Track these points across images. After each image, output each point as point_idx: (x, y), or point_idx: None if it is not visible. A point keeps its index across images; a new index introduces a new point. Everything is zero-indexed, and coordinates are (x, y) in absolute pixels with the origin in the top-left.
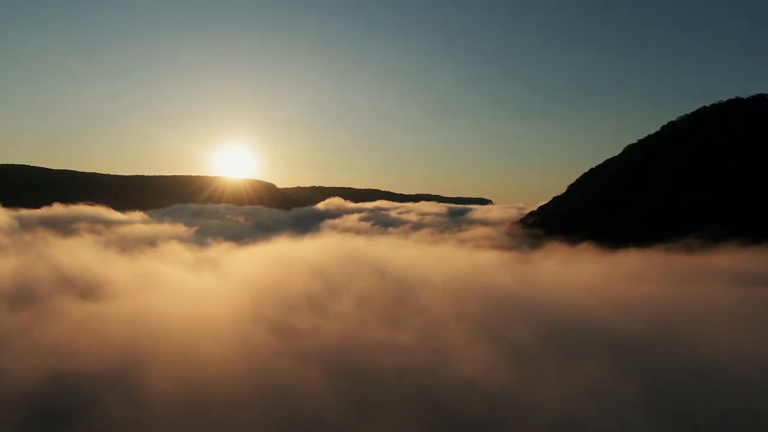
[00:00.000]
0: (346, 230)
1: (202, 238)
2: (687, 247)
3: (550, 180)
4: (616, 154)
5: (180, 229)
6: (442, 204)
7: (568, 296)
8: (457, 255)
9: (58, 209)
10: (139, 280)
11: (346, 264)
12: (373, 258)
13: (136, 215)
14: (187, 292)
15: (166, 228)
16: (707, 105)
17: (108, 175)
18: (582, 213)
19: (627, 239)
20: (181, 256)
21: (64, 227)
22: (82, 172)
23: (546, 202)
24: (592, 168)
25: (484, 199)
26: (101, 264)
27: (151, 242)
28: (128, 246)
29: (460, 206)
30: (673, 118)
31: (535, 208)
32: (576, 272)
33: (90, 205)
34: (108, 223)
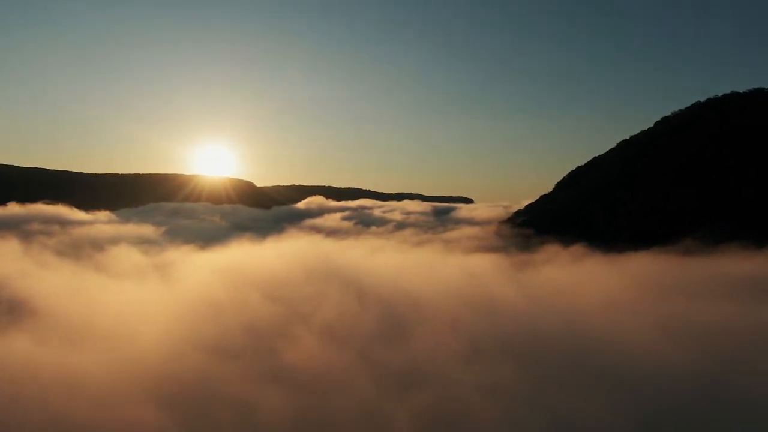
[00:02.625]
0: (327, 230)
1: (168, 239)
2: (686, 249)
3: (530, 178)
4: (602, 153)
5: (147, 229)
6: (426, 203)
7: (604, 324)
8: (448, 261)
9: (13, 208)
10: (51, 299)
11: (314, 276)
12: (348, 268)
13: (102, 215)
14: (91, 321)
15: (130, 228)
16: (702, 100)
17: (82, 173)
18: (573, 212)
19: (622, 240)
20: (127, 262)
21: (14, 228)
22: (54, 170)
23: (530, 200)
24: (579, 166)
25: (464, 197)
26: (21, 274)
27: (105, 245)
28: (75, 250)
29: (445, 205)
30: (657, 116)
31: (521, 206)
32: (590, 283)
33: (49, 203)
34: (65, 224)
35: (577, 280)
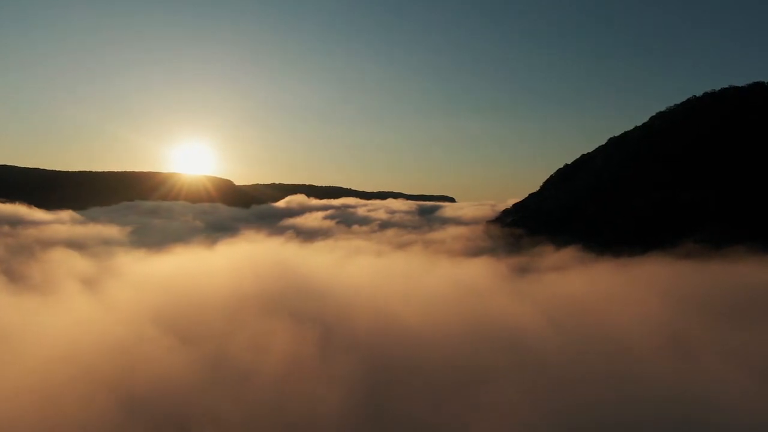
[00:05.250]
0: (307, 230)
1: (131, 240)
2: (688, 252)
3: (512, 176)
4: (590, 151)
5: (112, 230)
6: (411, 201)
7: (666, 361)
8: (438, 272)
9: None
10: None
11: (264, 297)
12: (313, 283)
13: (64, 214)
14: None
15: (91, 229)
16: (698, 95)
17: (55, 171)
18: (566, 212)
19: (618, 241)
20: (58, 270)
21: None
22: (24, 168)
23: (516, 199)
24: (567, 164)
25: (446, 196)
26: None
27: (48, 248)
28: (13, 254)
29: (430, 204)
30: (641, 114)
31: (507, 205)
32: (610, 297)
33: (5, 202)
34: (18, 224)
35: (591, 291)
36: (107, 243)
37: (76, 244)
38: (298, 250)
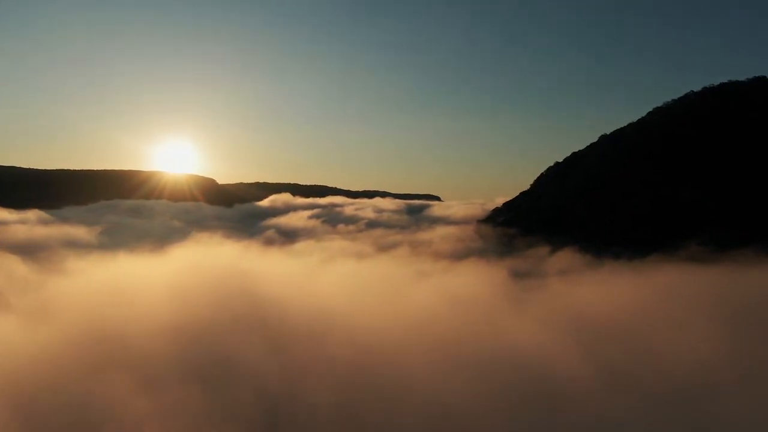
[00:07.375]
0: (290, 229)
1: (100, 241)
2: (691, 255)
3: (499, 175)
4: (583, 148)
5: (79, 230)
6: (399, 200)
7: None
8: (427, 278)
9: None
10: None
11: (197, 338)
12: (265, 313)
13: (31, 214)
14: None
15: (56, 230)
16: (696, 90)
17: (32, 169)
18: (562, 210)
19: (617, 243)
20: None
21: None
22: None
23: (504, 198)
24: (558, 162)
25: (432, 195)
26: None
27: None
28: None
29: (418, 203)
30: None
31: (495, 205)
32: (638, 314)
33: None
34: None
35: (610, 302)
36: (69, 245)
37: (28, 247)
38: (261, 258)
